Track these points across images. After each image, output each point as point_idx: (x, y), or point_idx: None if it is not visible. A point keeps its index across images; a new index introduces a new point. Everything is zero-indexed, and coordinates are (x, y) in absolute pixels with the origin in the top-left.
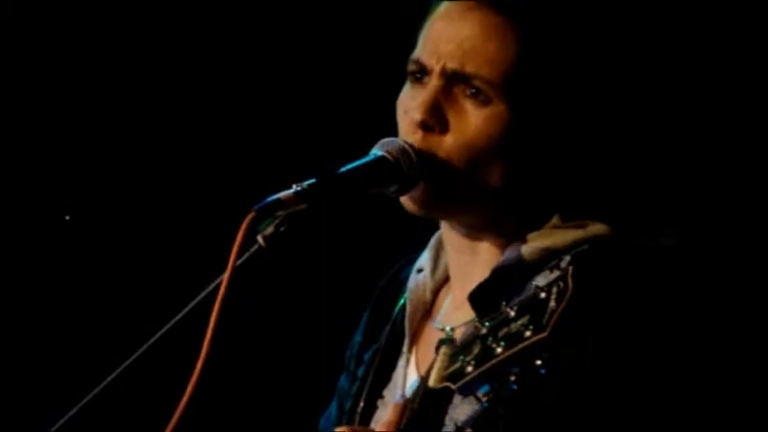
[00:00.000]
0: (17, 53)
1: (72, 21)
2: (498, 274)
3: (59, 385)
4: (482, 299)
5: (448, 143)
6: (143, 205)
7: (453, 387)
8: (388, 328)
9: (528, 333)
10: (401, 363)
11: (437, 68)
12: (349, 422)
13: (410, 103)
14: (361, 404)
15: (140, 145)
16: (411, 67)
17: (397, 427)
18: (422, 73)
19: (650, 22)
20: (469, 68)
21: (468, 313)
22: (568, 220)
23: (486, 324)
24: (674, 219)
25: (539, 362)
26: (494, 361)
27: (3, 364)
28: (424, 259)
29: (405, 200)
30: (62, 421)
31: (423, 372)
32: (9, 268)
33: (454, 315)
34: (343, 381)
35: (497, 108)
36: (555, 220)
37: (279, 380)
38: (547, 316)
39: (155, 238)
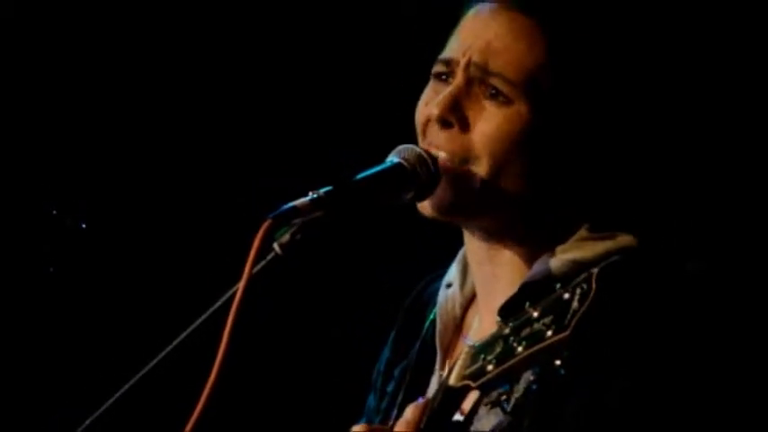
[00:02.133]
0: (17, 53)
1: (72, 21)
2: (527, 288)
3: (68, 400)
4: (512, 314)
5: (468, 141)
6: (159, 213)
7: (473, 385)
8: (418, 344)
9: (549, 333)
10: (434, 380)
11: (463, 61)
12: None
13: (431, 99)
14: (392, 420)
15: (154, 153)
16: (437, 67)
17: (416, 426)
18: (447, 72)
19: (678, 31)
20: (493, 66)
21: None
22: (597, 232)
23: (510, 324)
24: (700, 229)
25: (558, 362)
26: (514, 360)
27: (14, 371)
28: (453, 273)
29: (423, 206)
30: None
31: None
32: (22, 276)
33: (485, 332)
34: (371, 400)
35: (519, 109)
36: (583, 231)
37: (295, 389)
38: (569, 316)
39: (171, 247)
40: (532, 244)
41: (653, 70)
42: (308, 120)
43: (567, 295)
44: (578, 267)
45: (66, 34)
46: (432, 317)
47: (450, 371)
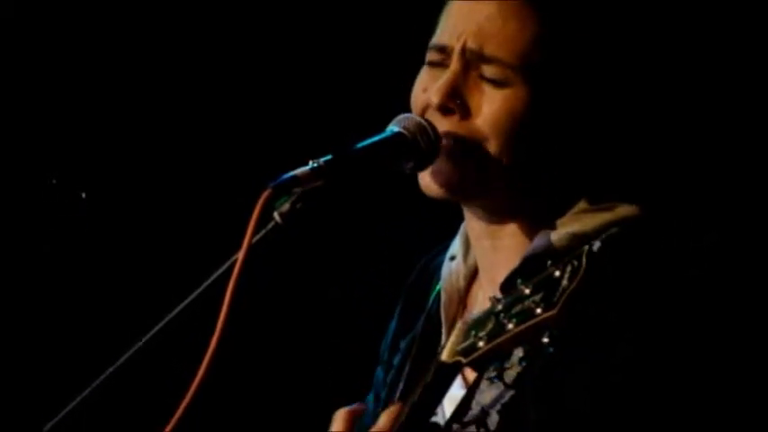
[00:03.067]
0: (17, 53)
1: (72, 21)
2: (528, 262)
3: (67, 368)
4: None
5: (472, 127)
6: (158, 183)
7: (464, 361)
8: (423, 316)
9: (539, 310)
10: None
11: (457, 47)
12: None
13: (429, 84)
14: (399, 393)
15: (155, 123)
16: (431, 55)
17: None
18: (442, 57)
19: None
20: (488, 50)
21: None
22: (596, 203)
23: (502, 301)
24: (700, 199)
25: (546, 339)
26: (504, 337)
27: (12, 338)
28: (456, 246)
29: (426, 184)
30: (67, 410)
31: None
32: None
33: (487, 305)
34: (379, 372)
35: (517, 90)
36: (582, 203)
37: (295, 359)
38: (558, 294)
39: (171, 216)
40: (532, 217)
41: (647, 37)
42: (308, 89)
43: (557, 273)
44: (578, 240)
45: (65, 33)
46: (437, 290)
47: (443, 347)
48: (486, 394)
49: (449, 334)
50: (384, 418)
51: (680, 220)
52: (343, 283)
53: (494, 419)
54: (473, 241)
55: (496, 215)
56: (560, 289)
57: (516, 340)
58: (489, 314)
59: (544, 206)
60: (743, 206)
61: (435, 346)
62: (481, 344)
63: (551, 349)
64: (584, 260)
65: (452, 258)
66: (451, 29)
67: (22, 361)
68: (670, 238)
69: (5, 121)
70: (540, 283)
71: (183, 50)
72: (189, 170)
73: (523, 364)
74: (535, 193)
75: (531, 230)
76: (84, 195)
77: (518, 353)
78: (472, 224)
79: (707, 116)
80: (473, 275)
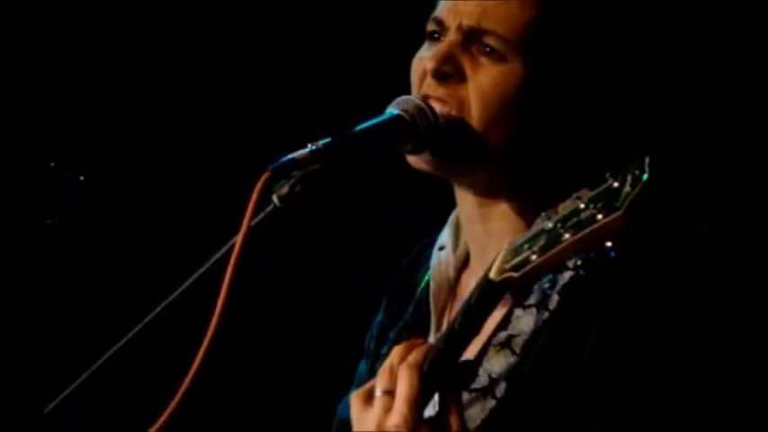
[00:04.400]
0: (16, 42)
1: (72, 21)
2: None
3: (66, 351)
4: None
5: (464, 92)
6: (159, 166)
7: (516, 276)
8: (412, 306)
9: (600, 216)
10: (429, 341)
11: (454, 24)
12: None
13: (425, 54)
14: None
15: (153, 106)
16: (430, 26)
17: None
18: (440, 31)
19: None
20: (486, 24)
21: None
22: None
23: (553, 218)
24: (705, 191)
25: (609, 243)
26: (561, 246)
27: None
28: (445, 236)
29: (414, 159)
30: (66, 392)
31: None
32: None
33: None
34: (362, 365)
35: (513, 65)
36: (585, 190)
37: (294, 342)
38: (622, 198)
39: (170, 199)
40: (526, 201)
41: (651, 19)
42: (307, 72)
43: (616, 183)
44: None
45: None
46: (426, 279)
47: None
48: (494, 362)
49: (438, 323)
50: (416, 353)
51: (682, 214)
52: (341, 266)
53: (502, 387)
54: (465, 225)
55: (488, 195)
56: (623, 194)
57: (574, 248)
58: (539, 232)
59: (542, 192)
60: (744, 198)
61: (424, 336)
62: (534, 257)
63: (613, 254)
64: (646, 168)
65: (441, 248)
66: (450, 5)
67: (23, 344)
68: (671, 235)
69: (4, 106)
70: (598, 194)
71: (178, 35)
72: (188, 153)
73: (581, 273)
74: (530, 177)
75: (523, 214)
76: (82, 178)
77: (528, 321)
78: (464, 207)
79: (706, 100)
80: (462, 265)
